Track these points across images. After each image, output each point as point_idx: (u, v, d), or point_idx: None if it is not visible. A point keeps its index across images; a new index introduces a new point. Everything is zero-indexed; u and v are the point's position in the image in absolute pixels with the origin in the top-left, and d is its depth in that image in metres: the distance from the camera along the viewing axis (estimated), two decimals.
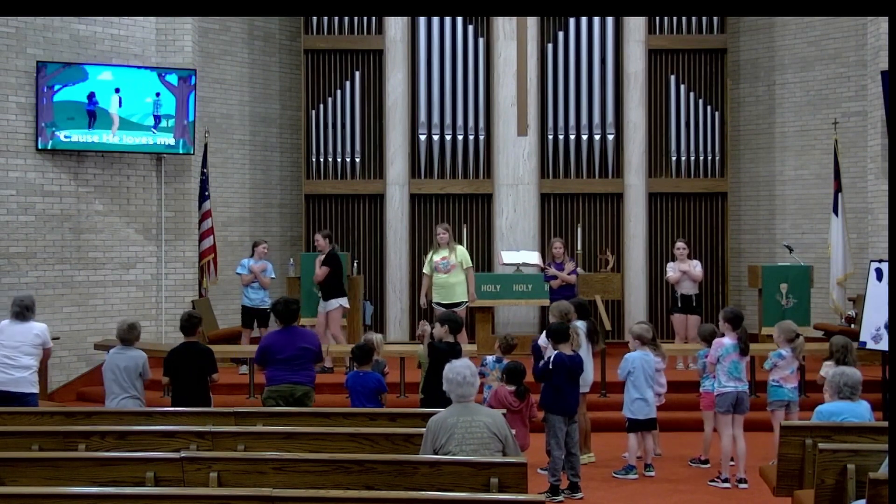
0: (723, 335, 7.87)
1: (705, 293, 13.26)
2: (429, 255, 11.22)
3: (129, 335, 7.75)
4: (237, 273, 11.47)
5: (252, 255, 11.43)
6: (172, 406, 7.46)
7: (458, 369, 5.42)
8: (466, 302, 10.99)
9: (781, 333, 7.93)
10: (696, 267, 11.07)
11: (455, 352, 7.42)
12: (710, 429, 8.22)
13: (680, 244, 11.14)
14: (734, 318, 7.79)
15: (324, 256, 10.65)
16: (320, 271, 10.59)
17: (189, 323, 7.77)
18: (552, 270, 11.28)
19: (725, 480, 7.64)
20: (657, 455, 8.28)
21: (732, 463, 7.76)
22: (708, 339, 8.20)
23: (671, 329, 11.58)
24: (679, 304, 11.09)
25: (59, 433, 6.01)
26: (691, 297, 11.05)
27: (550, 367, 7.32)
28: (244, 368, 10.73)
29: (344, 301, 10.77)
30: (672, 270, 11.08)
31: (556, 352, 7.39)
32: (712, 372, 7.87)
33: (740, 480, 7.62)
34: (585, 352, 7.97)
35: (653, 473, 7.92)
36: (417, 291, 13.15)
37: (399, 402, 9.52)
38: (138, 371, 7.68)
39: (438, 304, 10.90)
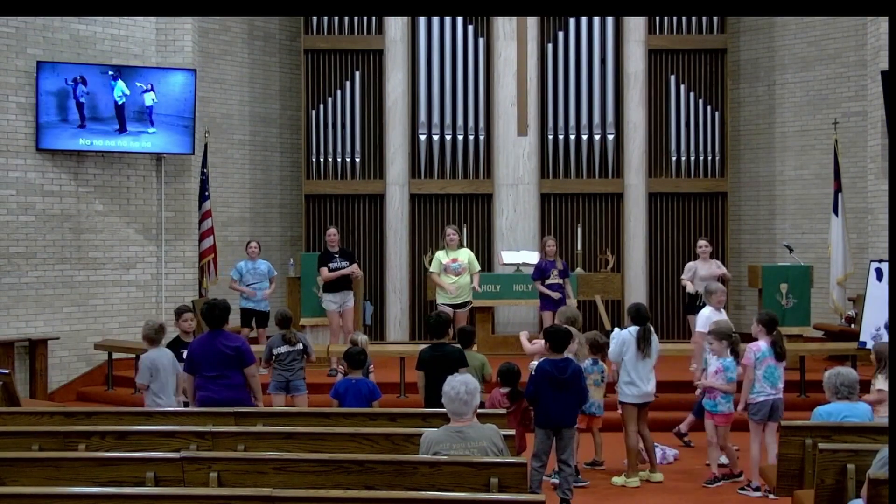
0: (753, 337, 7.51)
1: None
2: (435, 255, 11.06)
3: (159, 335, 7.55)
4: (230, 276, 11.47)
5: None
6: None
7: (454, 384, 5.03)
8: (471, 302, 10.96)
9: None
10: (720, 266, 10.77)
11: (441, 350, 7.23)
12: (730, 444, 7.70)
13: (702, 242, 10.74)
14: (769, 322, 7.43)
15: (338, 251, 10.64)
16: (358, 270, 10.67)
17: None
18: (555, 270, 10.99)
19: (757, 489, 7.28)
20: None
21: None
22: (724, 336, 7.58)
23: (687, 329, 11.43)
24: (699, 303, 10.95)
25: (59, 433, 5.99)
26: None
27: (533, 373, 7.03)
28: None
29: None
30: (689, 272, 10.68)
31: (542, 359, 7.12)
32: (751, 377, 7.31)
33: (757, 488, 7.29)
34: (633, 359, 7.59)
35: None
36: (417, 291, 13.20)
37: (399, 402, 9.52)
38: (177, 370, 7.49)
39: (445, 304, 10.66)
